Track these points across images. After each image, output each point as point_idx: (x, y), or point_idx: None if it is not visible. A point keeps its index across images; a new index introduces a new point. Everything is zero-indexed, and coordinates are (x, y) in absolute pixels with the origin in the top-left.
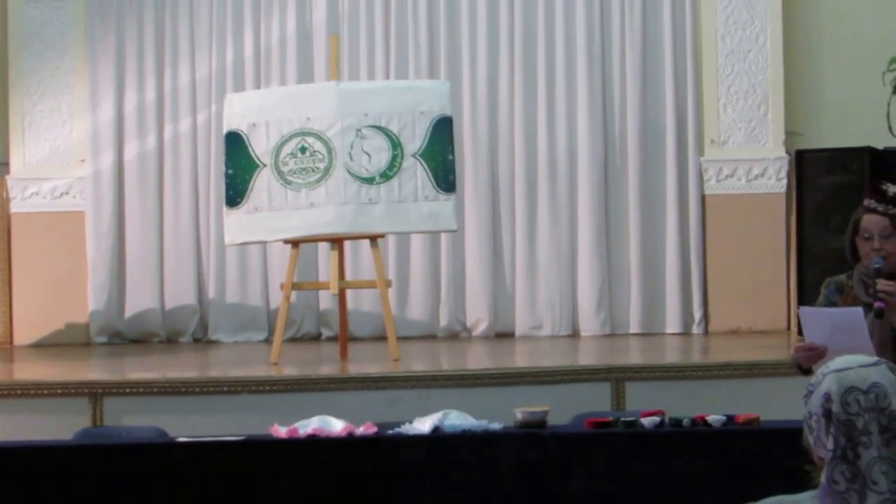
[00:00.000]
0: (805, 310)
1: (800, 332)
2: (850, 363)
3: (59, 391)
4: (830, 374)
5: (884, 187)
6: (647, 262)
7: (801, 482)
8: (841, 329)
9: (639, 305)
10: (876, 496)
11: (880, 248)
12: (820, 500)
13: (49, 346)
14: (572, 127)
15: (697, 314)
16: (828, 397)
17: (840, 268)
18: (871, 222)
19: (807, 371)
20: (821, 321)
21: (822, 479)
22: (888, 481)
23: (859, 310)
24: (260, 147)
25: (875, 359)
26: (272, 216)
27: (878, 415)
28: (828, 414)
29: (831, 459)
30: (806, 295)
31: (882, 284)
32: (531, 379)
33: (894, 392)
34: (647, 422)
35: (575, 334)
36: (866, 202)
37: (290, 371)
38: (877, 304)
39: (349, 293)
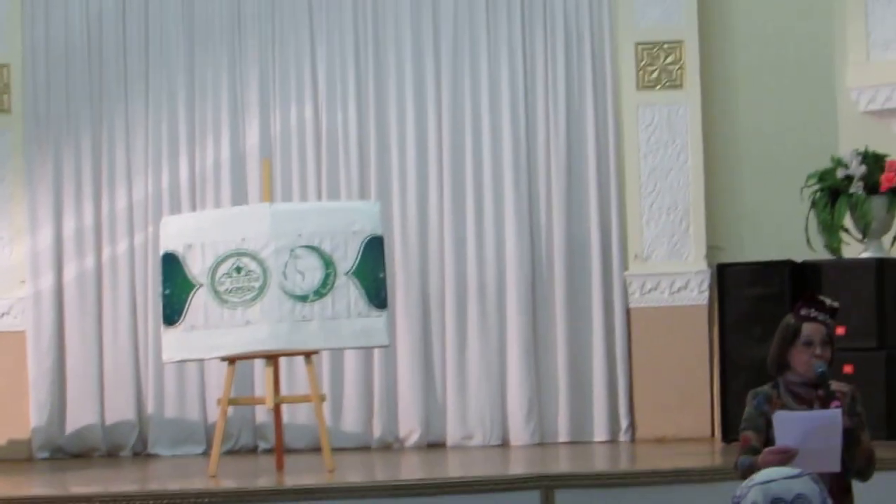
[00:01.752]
0: (781, 413)
1: (725, 438)
2: (775, 475)
3: None
4: (756, 486)
5: (821, 298)
6: (574, 373)
7: None
8: (817, 431)
9: (567, 415)
10: None
11: (822, 354)
12: None
13: None
14: (500, 244)
15: (624, 423)
16: None
17: (762, 376)
18: (813, 330)
19: None
20: (798, 424)
21: None
22: None
23: (837, 411)
24: (196, 267)
25: (797, 471)
26: (209, 334)
27: None
28: None
29: None
30: (729, 403)
31: (837, 385)
32: (463, 488)
33: (818, 502)
34: None
35: (505, 444)
36: (804, 312)
37: (227, 483)
38: (835, 404)
39: (285, 407)
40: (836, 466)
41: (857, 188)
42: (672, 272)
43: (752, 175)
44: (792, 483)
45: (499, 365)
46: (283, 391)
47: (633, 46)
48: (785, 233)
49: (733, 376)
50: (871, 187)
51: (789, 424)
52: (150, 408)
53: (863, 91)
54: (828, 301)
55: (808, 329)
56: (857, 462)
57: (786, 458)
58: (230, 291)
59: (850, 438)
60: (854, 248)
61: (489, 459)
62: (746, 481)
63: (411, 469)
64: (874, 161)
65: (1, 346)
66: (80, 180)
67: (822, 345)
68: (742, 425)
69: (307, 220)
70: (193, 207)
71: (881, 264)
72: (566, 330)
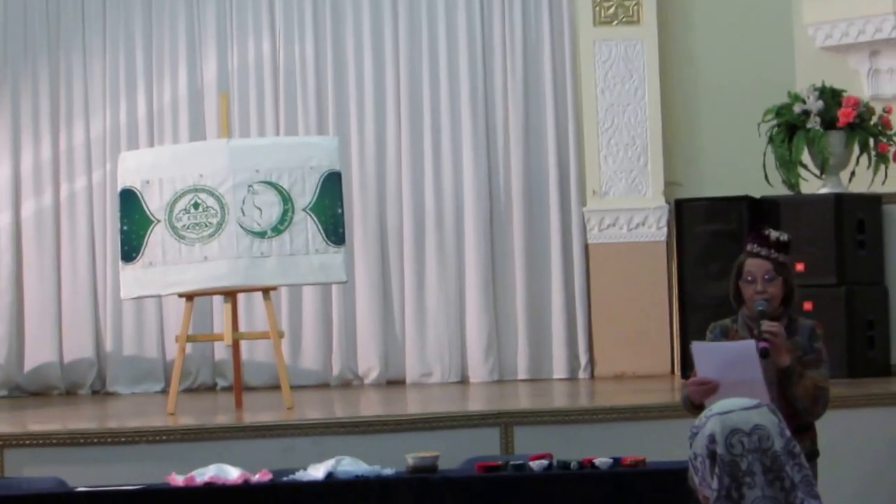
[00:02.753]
0: (698, 344)
1: (684, 375)
2: (733, 406)
3: None
4: (714, 417)
5: (766, 232)
6: (533, 310)
7: None
8: (734, 363)
9: (526, 352)
10: None
11: (763, 290)
12: None
13: None
14: (458, 180)
15: (583, 359)
16: (712, 439)
17: (720, 312)
18: (755, 266)
19: (698, 407)
20: (714, 355)
21: None
22: None
23: (751, 342)
24: (154, 203)
25: (756, 401)
26: (167, 270)
27: (762, 456)
28: (712, 455)
29: (716, 499)
30: (688, 339)
31: (766, 325)
32: (422, 425)
33: (776, 434)
34: (535, 465)
35: (464, 381)
36: (749, 247)
37: (186, 421)
38: (761, 345)
39: (243, 344)
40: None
41: (814, 123)
42: (630, 208)
43: (709, 111)
44: (750, 414)
45: (457, 301)
46: (242, 328)
47: None
48: (743, 168)
49: (692, 312)
50: (829, 122)
51: (706, 356)
52: (108, 346)
53: (819, 27)
54: (773, 235)
55: (750, 265)
56: (799, 400)
57: (707, 389)
58: (188, 227)
59: (790, 376)
60: (812, 184)
61: (448, 396)
62: (705, 411)
63: (370, 406)
64: (831, 96)
65: None
66: (38, 117)
67: (765, 281)
68: None
69: (265, 155)
70: (151, 143)
71: (839, 199)
72: (524, 266)
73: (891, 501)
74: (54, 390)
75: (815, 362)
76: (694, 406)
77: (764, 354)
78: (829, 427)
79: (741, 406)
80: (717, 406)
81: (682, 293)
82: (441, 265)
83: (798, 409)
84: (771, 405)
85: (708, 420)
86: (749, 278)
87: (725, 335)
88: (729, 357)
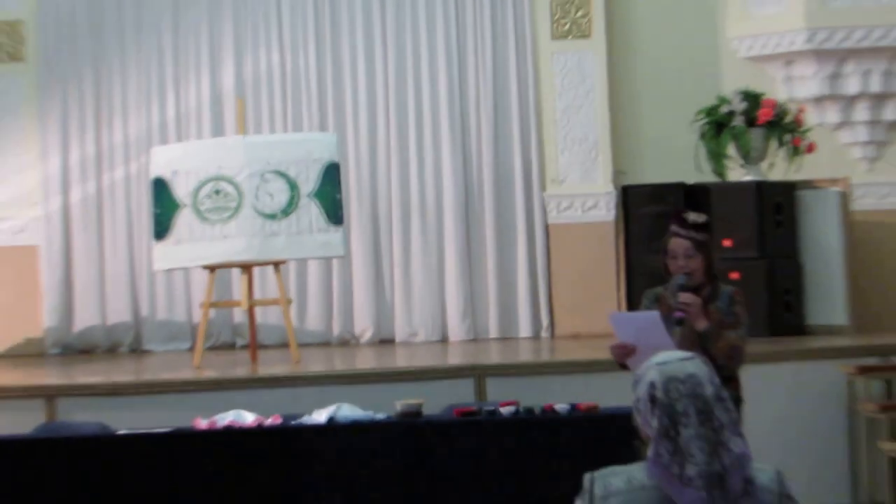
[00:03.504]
0: (614, 315)
1: None
2: (671, 358)
3: (21, 394)
4: (654, 367)
5: (685, 215)
6: (502, 280)
7: (632, 457)
8: (644, 330)
9: (496, 315)
10: (693, 467)
11: (684, 265)
12: (648, 470)
13: (11, 356)
14: (438, 170)
15: (545, 321)
16: (653, 385)
17: (659, 281)
18: (677, 245)
19: (622, 366)
20: (628, 324)
21: (649, 453)
22: (703, 455)
23: (656, 313)
24: (181, 190)
25: (691, 354)
26: (192, 247)
27: (695, 400)
28: (653, 399)
29: (656, 437)
30: (633, 304)
31: (682, 297)
32: (408, 377)
33: (707, 381)
34: (504, 411)
35: (444, 340)
36: (672, 228)
37: (209, 374)
38: (677, 314)
39: (257, 309)
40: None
41: (738, 121)
42: (584, 193)
43: (650, 111)
44: (685, 364)
45: (438, 272)
46: (256, 295)
47: (548, 2)
48: (678, 159)
49: (636, 281)
50: (750, 121)
51: (620, 324)
52: (143, 311)
53: (742, 40)
54: (690, 217)
55: (672, 244)
56: (718, 357)
57: (625, 352)
58: (210, 210)
59: (707, 338)
60: (736, 173)
61: (431, 353)
62: (647, 361)
63: (365, 361)
64: (753, 99)
65: (18, 258)
66: (84, 117)
67: (686, 257)
68: None
69: (275, 149)
70: (179, 139)
71: (759, 186)
72: (494, 242)
73: (801, 436)
74: (98, 348)
75: (733, 324)
76: (620, 365)
77: (679, 323)
78: (753, 378)
79: (677, 358)
80: (658, 357)
81: (627, 265)
82: (424, 242)
83: (717, 365)
84: (704, 357)
85: (649, 369)
86: (672, 255)
87: (657, 301)
88: (639, 325)
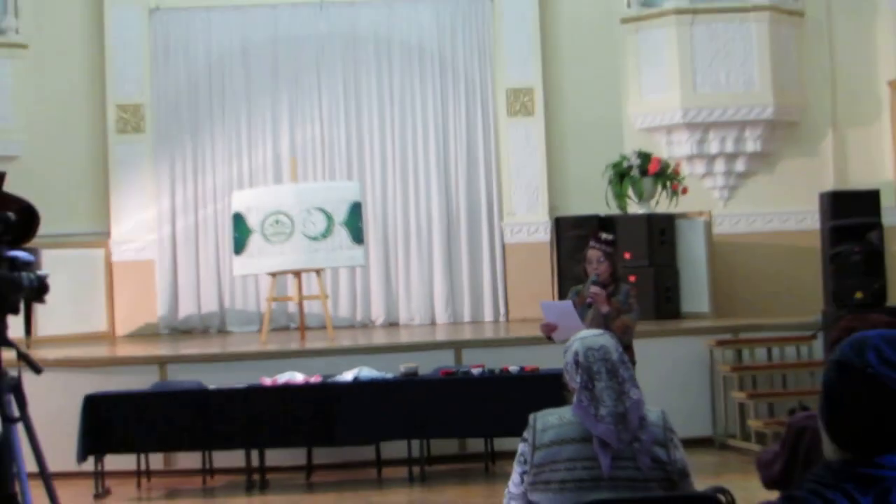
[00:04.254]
0: (543, 302)
1: None
2: (589, 334)
3: (141, 361)
4: (577, 340)
5: (600, 234)
6: (473, 281)
7: (562, 402)
8: (562, 313)
9: (468, 305)
10: (604, 409)
11: (596, 268)
12: (573, 411)
13: (136, 336)
14: (428, 205)
15: (502, 310)
16: (576, 353)
17: (580, 282)
18: (592, 254)
19: (549, 338)
20: (551, 309)
21: (574, 399)
22: (611, 400)
23: (569, 302)
24: (252, 220)
25: (602, 331)
26: (260, 260)
27: (605, 362)
28: (576, 363)
29: (579, 389)
30: (562, 296)
31: (592, 289)
32: (409, 348)
33: (613, 349)
34: (475, 371)
35: (433, 323)
36: (591, 243)
37: (271, 347)
38: (588, 300)
39: (305, 302)
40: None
41: (635, 172)
42: (529, 222)
43: (575, 164)
44: (598, 338)
45: (428, 276)
46: (304, 292)
47: (504, 91)
48: (594, 198)
49: (564, 282)
50: (643, 172)
51: (546, 309)
52: (227, 303)
53: (638, 116)
54: (602, 236)
55: (589, 253)
56: (615, 333)
57: (549, 329)
58: (272, 234)
59: (608, 318)
60: (633, 208)
61: (424, 332)
62: (573, 336)
63: (379, 337)
64: (645, 157)
65: (140, 269)
66: (185, 170)
67: (598, 262)
68: None
69: (317, 192)
70: (251, 185)
71: (650, 217)
72: (468, 256)
73: (678, 388)
74: (195, 330)
75: (627, 310)
76: (547, 338)
77: (589, 306)
78: (645, 348)
79: (593, 334)
80: (580, 333)
81: (559, 271)
82: (419, 254)
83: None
84: (613, 333)
85: (574, 342)
86: (588, 261)
87: (577, 294)
88: (558, 310)
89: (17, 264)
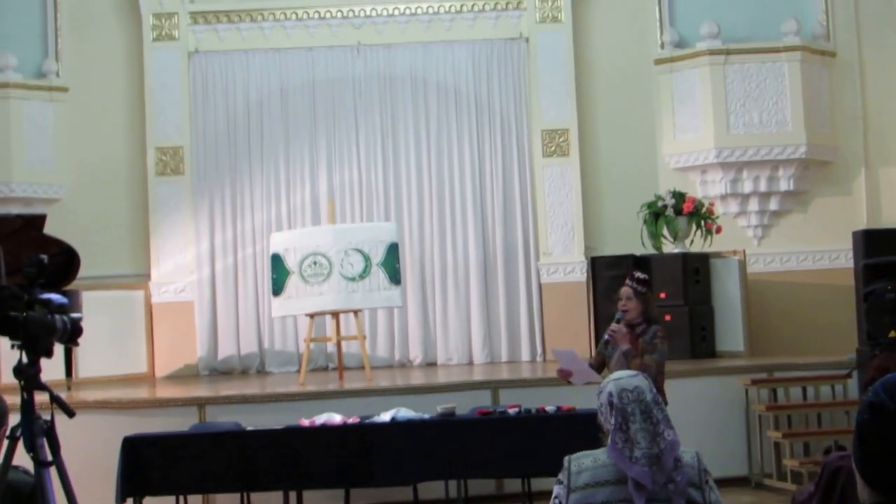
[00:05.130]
0: (553, 350)
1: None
2: (623, 375)
3: (180, 403)
4: (611, 381)
5: (633, 272)
6: (510, 321)
7: (597, 444)
8: (570, 360)
9: (505, 345)
10: (639, 450)
11: (624, 305)
12: (608, 453)
13: (175, 377)
14: (465, 246)
15: (539, 349)
16: (610, 395)
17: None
18: (623, 291)
19: (568, 382)
20: (561, 356)
21: (609, 441)
22: (646, 442)
23: (571, 350)
24: (290, 262)
25: (636, 372)
26: (298, 301)
27: (639, 403)
28: (611, 404)
29: (613, 430)
30: (598, 337)
31: (612, 326)
32: (446, 388)
33: (647, 390)
34: (511, 411)
35: (470, 362)
36: (626, 280)
37: (310, 388)
38: (606, 337)
39: (343, 343)
40: (596, 378)
41: (669, 212)
42: (565, 262)
43: (610, 205)
44: (632, 379)
45: (466, 316)
46: (342, 333)
47: (540, 132)
48: (629, 238)
49: (600, 322)
50: (678, 211)
51: (557, 356)
52: (265, 344)
53: (672, 156)
54: (636, 274)
55: (621, 290)
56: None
57: (565, 374)
58: (310, 276)
59: (627, 356)
60: (668, 247)
61: (461, 372)
62: (607, 377)
63: (416, 378)
64: (679, 196)
65: (180, 309)
66: (224, 212)
67: (627, 299)
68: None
69: (354, 233)
70: (290, 227)
71: (684, 256)
72: (505, 296)
73: (713, 427)
74: (234, 370)
75: (651, 351)
76: (567, 382)
77: (606, 343)
78: (680, 388)
79: (627, 375)
80: (614, 375)
81: (594, 310)
82: (456, 294)
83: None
84: (645, 374)
85: (608, 383)
86: (619, 297)
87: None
88: (566, 357)
89: (51, 307)
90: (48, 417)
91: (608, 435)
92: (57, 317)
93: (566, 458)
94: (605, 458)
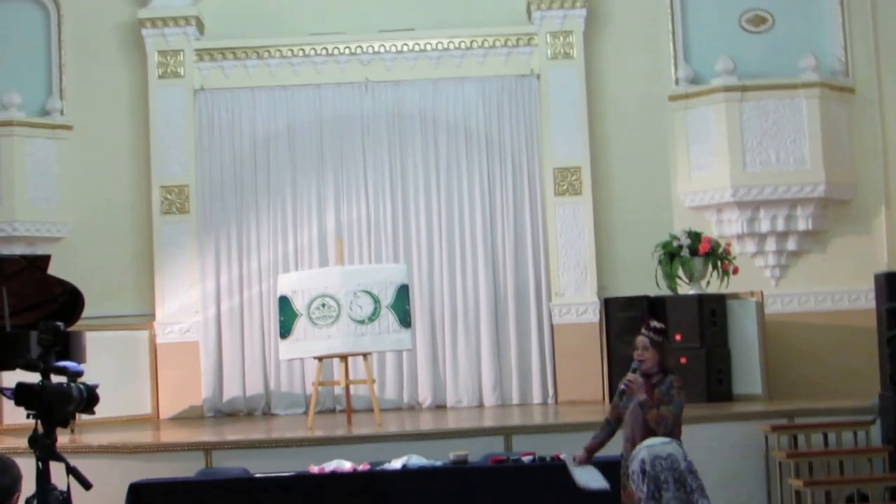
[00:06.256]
0: (564, 455)
1: (611, 400)
2: (656, 442)
3: (186, 448)
4: (644, 448)
5: (650, 321)
6: (521, 363)
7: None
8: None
9: (517, 387)
10: None
11: (640, 355)
12: None
13: (179, 418)
14: (476, 287)
15: (551, 391)
16: (643, 461)
17: (629, 364)
18: (639, 340)
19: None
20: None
21: None
22: None
23: (568, 457)
24: (298, 304)
25: (669, 439)
26: (306, 343)
27: (673, 472)
28: (643, 471)
29: (645, 498)
30: (613, 380)
31: (628, 376)
32: (457, 434)
33: (681, 458)
34: (525, 459)
35: (481, 405)
36: (642, 329)
37: (318, 433)
38: (622, 387)
39: (352, 387)
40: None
41: (685, 252)
42: (577, 302)
43: (623, 244)
44: (666, 447)
45: (476, 358)
46: (351, 376)
47: (552, 170)
48: (643, 278)
49: (614, 364)
50: (694, 251)
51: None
52: (272, 385)
53: (687, 195)
54: (652, 323)
55: (637, 339)
56: (649, 422)
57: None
58: (318, 318)
59: (643, 406)
60: (684, 288)
61: (472, 416)
62: (640, 444)
63: (426, 422)
64: (695, 236)
65: (185, 350)
66: (230, 251)
67: (643, 349)
68: None
69: (364, 275)
70: (297, 267)
71: (700, 297)
72: (516, 338)
73: (731, 475)
74: (240, 412)
75: (667, 402)
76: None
77: (622, 393)
78: (697, 433)
79: (661, 442)
80: (647, 441)
81: (608, 353)
82: (466, 337)
83: (650, 427)
84: (678, 441)
85: (641, 450)
86: (635, 347)
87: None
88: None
89: (67, 375)
90: (64, 489)
91: (639, 503)
92: (73, 385)
93: None
94: None
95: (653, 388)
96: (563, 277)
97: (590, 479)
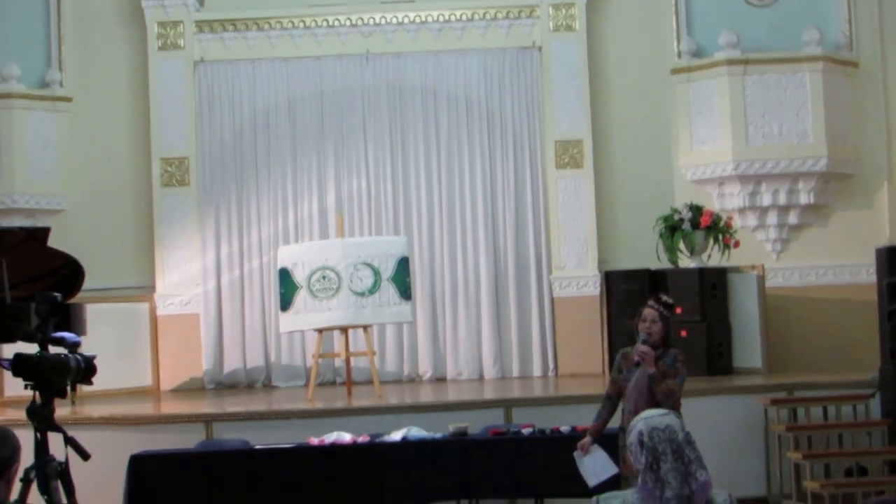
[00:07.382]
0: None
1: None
2: (653, 414)
3: (186, 419)
4: (642, 420)
5: (661, 295)
6: (521, 336)
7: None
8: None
9: (517, 360)
10: (670, 491)
11: (648, 328)
12: (638, 493)
13: (181, 390)
14: (476, 260)
15: (551, 365)
16: (640, 433)
17: (629, 338)
18: (648, 312)
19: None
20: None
21: (639, 481)
22: (676, 483)
23: (578, 454)
24: (298, 276)
25: (667, 410)
26: (307, 316)
27: (670, 443)
28: (641, 443)
29: (643, 470)
30: (612, 352)
31: (641, 348)
32: (458, 406)
33: (679, 429)
34: (525, 431)
35: (481, 378)
36: (650, 301)
37: (319, 405)
38: (636, 359)
39: (352, 359)
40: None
41: (686, 225)
42: (578, 276)
43: (624, 217)
44: (663, 417)
45: (476, 331)
46: (351, 349)
47: (553, 143)
48: (644, 252)
49: (614, 337)
50: (695, 225)
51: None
52: (272, 358)
53: (688, 168)
54: (663, 298)
55: (645, 311)
56: (657, 395)
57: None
58: (319, 290)
59: (653, 379)
60: (685, 262)
61: (472, 388)
62: (636, 417)
63: (427, 395)
64: (696, 210)
65: (185, 322)
66: (230, 224)
67: (652, 322)
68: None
69: (364, 247)
70: (297, 240)
71: (701, 271)
72: (516, 311)
73: (731, 447)
74: (240, 384)
75: (672, 374)
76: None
77: (637, 365)
78: (697, 407)
79: (658, 414)
80: (644, 413)
81: (608, 326)
82: (466, 309)
83: (658, 401)
84: (677, 413)
85: (638, 421)
86: (643, 319)
87: (625, 357)
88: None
89: (64, 346)
90: (62, 460)
91: (637, 474)
92: (70, 356)
93: (594, 498)
94: (635, 498)
95: (656, 360)
96: (563, 250)
97: (599, 469)
